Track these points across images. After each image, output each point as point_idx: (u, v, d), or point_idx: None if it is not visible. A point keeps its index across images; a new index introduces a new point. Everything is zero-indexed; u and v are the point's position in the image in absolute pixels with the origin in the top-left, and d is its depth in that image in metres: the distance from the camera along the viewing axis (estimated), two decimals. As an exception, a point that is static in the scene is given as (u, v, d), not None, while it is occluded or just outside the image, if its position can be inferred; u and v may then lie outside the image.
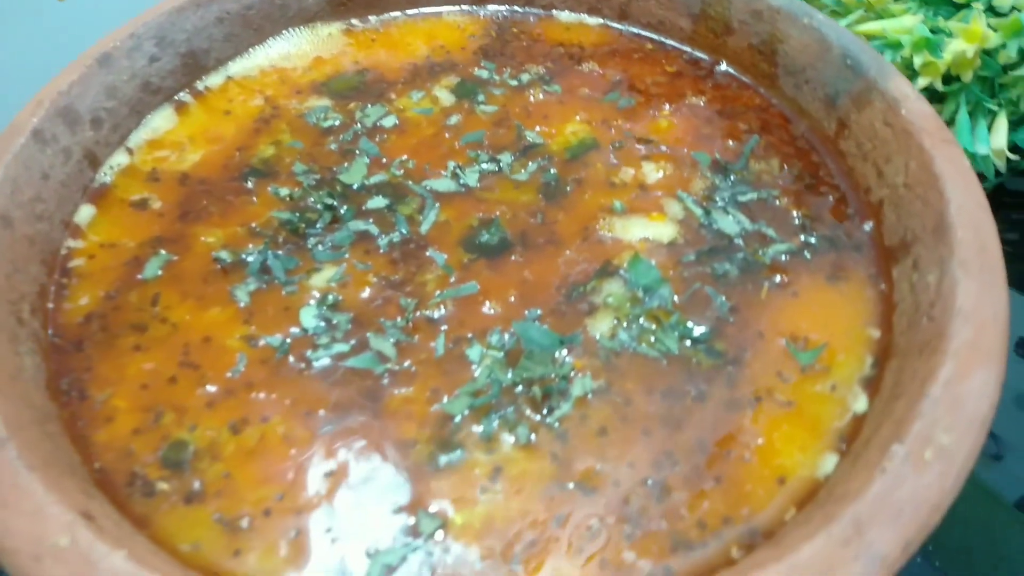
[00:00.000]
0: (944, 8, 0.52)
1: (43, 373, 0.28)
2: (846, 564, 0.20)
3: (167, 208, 0.34)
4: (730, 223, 0.33)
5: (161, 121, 0.38)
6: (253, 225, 0.33)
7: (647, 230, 0.33)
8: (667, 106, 0.39)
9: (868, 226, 0.33)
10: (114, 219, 0.34)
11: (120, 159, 0.36)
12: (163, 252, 0.32)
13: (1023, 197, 0.62)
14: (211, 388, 0.28)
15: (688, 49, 0.42)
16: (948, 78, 0.49)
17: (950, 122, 0.51)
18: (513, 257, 0.32)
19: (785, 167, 0.35)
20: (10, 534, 0.21)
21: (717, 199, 0.34)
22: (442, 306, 0.30)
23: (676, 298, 0.30)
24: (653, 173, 0.35)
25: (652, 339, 0.29)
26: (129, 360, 0.29)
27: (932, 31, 0.49)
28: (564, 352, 0.29)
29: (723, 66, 0.40)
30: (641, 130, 0.37)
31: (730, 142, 0.37)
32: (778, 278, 0.31)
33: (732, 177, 0.35)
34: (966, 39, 0.47)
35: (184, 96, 0.39)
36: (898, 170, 0.31)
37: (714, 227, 0.33)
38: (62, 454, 0.25)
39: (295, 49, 0.42)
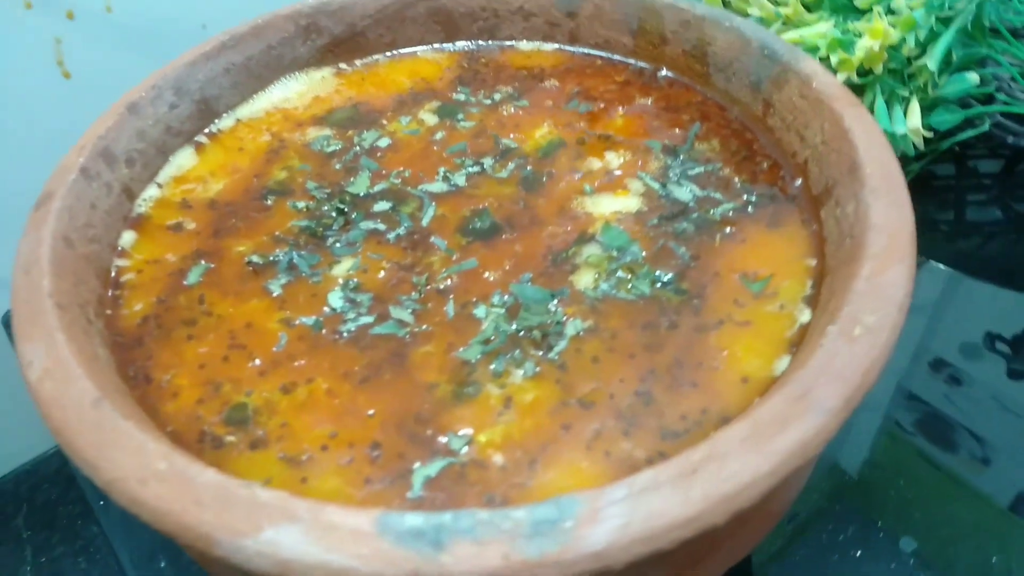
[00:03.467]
0: (852, 14, 0.59)
1: (112, 363, 0.32)
2: (799, 415, 0.25)
3: (201, 228, 0.39)
4: (684, 192, 0.39)
5: (184, 159, 0.43)
6: (277, 234, 0.39)
7: (615, 204, 0.39)
8: (620, 108, 0.45)
9: (798, 182, 0.39)
10: (155, 240, 0.39)
11: (152, 192, 0.41)
12: (202, 262, 0.37)
13: (951, 180, 0.69)
14: (259, 361, 0.33)
15: (632, 61, 0.48)
16: (863, 72, 0.56)
17: (870, 109, 0.58)
18: (504, 236, 0.37)
19: (725, 145, 0.42)
20: (117, 467, 0.25)
21: (671, 175, 0.40)
22: (448, 280, 0.35)
23: (644, 253, 0.36)
24: (615, 160, 0.41)
25: (629, 286, 0.34)
26: (185, 348, 0.34)
27: (843, 33, 0.57)
28: (556, 303, 0.34)
29: (664, 71, 0.47)
30: (600, 128, 0.44)
31: (677, 130, 0.43)
32: (728, 229, 0.37)
33: (681, 157, 0.41)
34: (871, 37, 0.55)
35: (201, 138, 0.45)
36: (816, 132, 0.38)
37: (671, 196, 0.39)
38: (141, 417, 0.29)
39: (294, 92, 0.48)
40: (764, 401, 0.26)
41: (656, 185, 0.39)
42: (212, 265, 0.37)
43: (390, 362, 0.32)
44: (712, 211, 0.38)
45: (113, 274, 0.37)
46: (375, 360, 0.32)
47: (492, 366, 0.32)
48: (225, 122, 0.46)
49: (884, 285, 0.29)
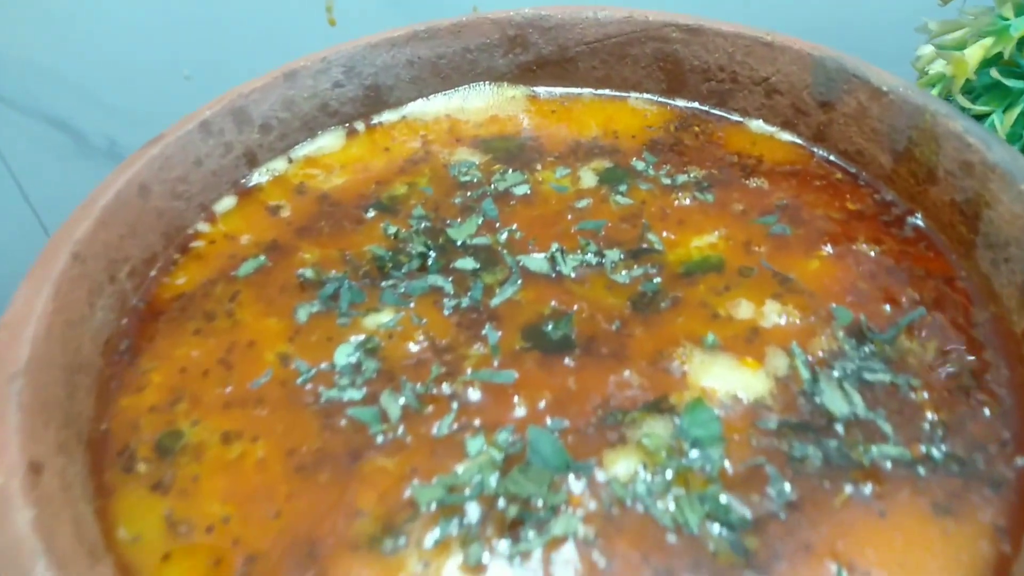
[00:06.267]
0: None
1: (109, 329, 0.30)
2: None
3: (293, 219, 0.36)
4: (839, 401, 0.27)
5: (329, 141, 0.40)
6: (348, 254, 0.34)
7: (731, 376, 0.28)
8: (828, 247, 0.33)
9: (1020, 461, 0.24)
10: (247, 215, 0.37)
11: (279, 165, 0.39)
12: (263, 257, 0.34)
13: None
14: (230, 390, 0.29)
15: (882, 188, 0.35)
16: None
17: None
18: (567, 359, 0.29)
19: (944, 357, 0.28)
20: (-26, 459, 0.23)
21: (837, 368, 0.28)
22: (470, 386, 0.28)
23: (727, 465, 0.25)
24: (773, 314, 0.30)
25: (672, 505, 0.24)
26: (185, 342, 0.31)
27: None
28: (569, 479, 0.25)
29: (916, 218, 0.34)
30: (783, 263, 0.32)
31: (887, 307, 0.30)
32: (869, 487, 0.24)
33: (868, 348, 0.28)
34: None
35: (358, 124, 0.41)
36: (1085, 403, 0.23)
37: (817, 400, 0.27)
38: (73, 405, 0.27)
39: (474, 103, 0.43)
40: None
41: (806, 374, 0.28)
42: (270, 263, 0.34)
43: (340, 460, 0.26)
44: (864, 448, 0.25)
45: (186, 236, 0.35)
46: (327, 449, 0.26)
47: (434, 532, 0.24)
48: (389, 115, 0.42)
49: None
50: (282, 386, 0.29)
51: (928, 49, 0.54)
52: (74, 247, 0.29)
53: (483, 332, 0.30)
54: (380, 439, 0.27)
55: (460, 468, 0.25)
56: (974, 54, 0.47)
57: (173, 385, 0.29)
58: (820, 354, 0.28)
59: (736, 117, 0.40)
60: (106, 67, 0.63)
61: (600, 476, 0.25)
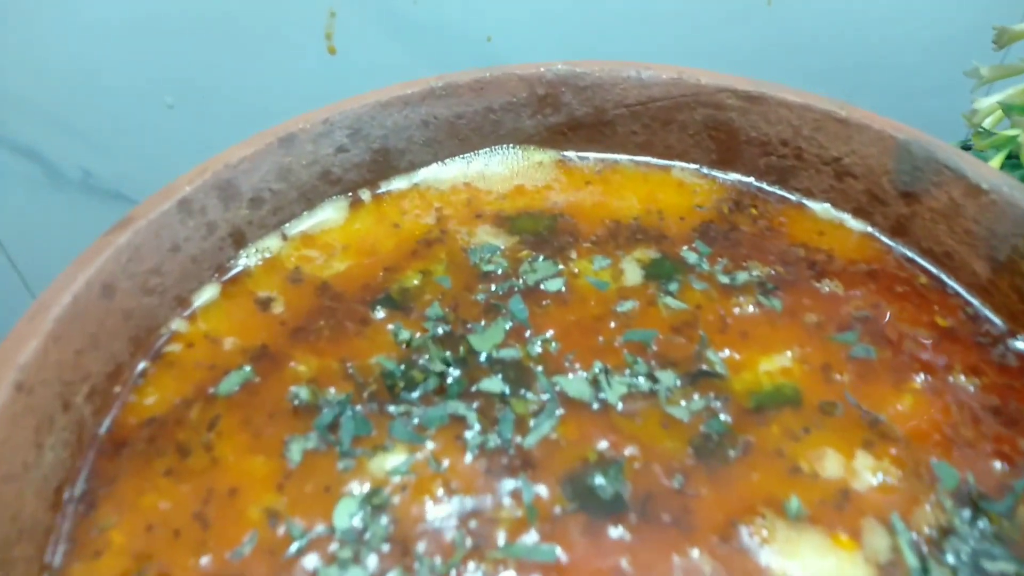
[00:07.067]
0: None
1: (61, 473, 0.25)
2: None
3: (287, 317, 0.31)
4: (956, 601, 0.22)
5: (330, 215, 0.35)
6: (349, 366, 0.29)
7: (823, 562, 0.23)
8: (921, 376, 0.28)
9: None
10: (232, 311, 0.31)
11: (271, 243, 0.34)
12: (248, 368, 0.29)
13: None
14: (205, 562, 0.23)
15: (976, 302, 0.30)
16: None
17: None
18: (619, 528, 0.24)
19: (1079, 539, 0.23)
20: None
21: (949, 551, 0.23)
22: (501, 565, 0.23)
23: None
24: (867, 474, 0.25)
25: None
26: (154, 487, 0.25)
27: None
28: None
29: (1019, 341, 0.29)
30: (872, 400, 0.27)
31: (997, 464, 0.25)
32: None
33: (982, 523, 0.23)
34: None
35: (363, 193, 0.36)
36: None
37: (928, 597, 0.22)
38: (6, 593, 0.21)
39: (497, 170, 0.38)
40: None
41: (913, 560, 0.23)
42: (258, 379, 0.28)
43: (344, 671, 0.21)
44: (995, 674, 0.20)
45: (158, 337, 0.30)
46: (328, 654, 0.21)
47: None
48: (399, 183, 0.37)
49: None
50: (270, 557, 0.23)
51: (986, 103, 0.49)
52: (17, 376, 0.24)
53: (518, 483, 0.25)
54: (391, 642, 0.21)
55: None
56: (1053, 122, 0.42)
57: (137, 549, 0.24)
58: (926, 530, 0.23)
59: (797, 198, 0.35)
60: (80, 92, 0.57)
61: None
